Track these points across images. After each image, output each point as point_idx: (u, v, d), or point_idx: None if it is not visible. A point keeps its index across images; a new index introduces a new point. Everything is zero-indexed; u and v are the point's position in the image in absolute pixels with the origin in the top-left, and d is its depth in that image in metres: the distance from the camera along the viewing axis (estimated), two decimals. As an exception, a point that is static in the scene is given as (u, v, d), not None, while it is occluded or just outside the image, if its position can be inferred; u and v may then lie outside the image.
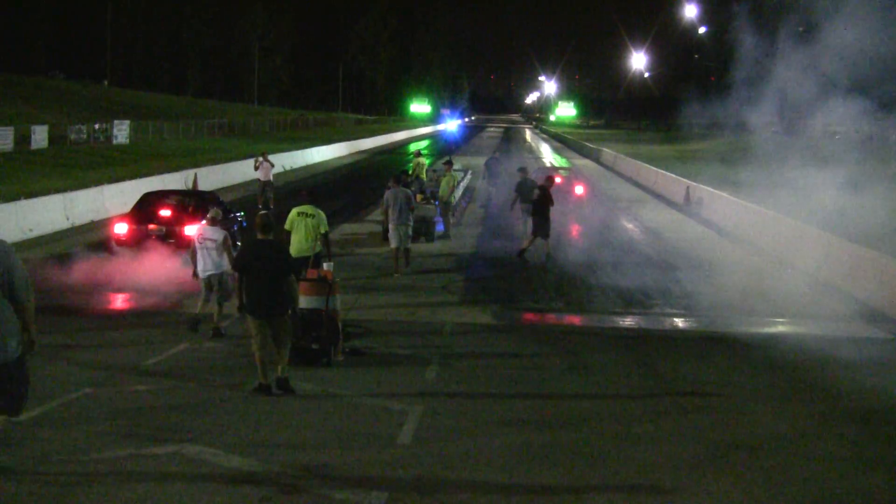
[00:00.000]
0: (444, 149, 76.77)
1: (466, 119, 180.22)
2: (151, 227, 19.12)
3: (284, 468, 8.36)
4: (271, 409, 10.13)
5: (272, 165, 30.98)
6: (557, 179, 30.13)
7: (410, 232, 20.27)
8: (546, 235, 21.58)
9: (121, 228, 19.21)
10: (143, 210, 19.72)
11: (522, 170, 25.94)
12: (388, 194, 20.01)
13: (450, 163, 27.75)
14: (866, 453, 9.50)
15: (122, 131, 59.50)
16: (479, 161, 58.87)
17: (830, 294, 18.19)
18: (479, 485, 8.17)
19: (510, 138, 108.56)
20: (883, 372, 12.71)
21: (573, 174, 37.00)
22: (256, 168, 30.58)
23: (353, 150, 70.99)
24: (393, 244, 19.85)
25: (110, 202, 27.59)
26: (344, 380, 11.41)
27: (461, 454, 8.91)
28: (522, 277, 19.88)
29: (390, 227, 19.96)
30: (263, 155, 30.84)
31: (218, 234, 13.73)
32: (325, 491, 7.89)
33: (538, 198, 21.84)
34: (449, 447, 9.12)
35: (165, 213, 19.46)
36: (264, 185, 30.00)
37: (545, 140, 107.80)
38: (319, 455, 8.76)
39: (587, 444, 9.36)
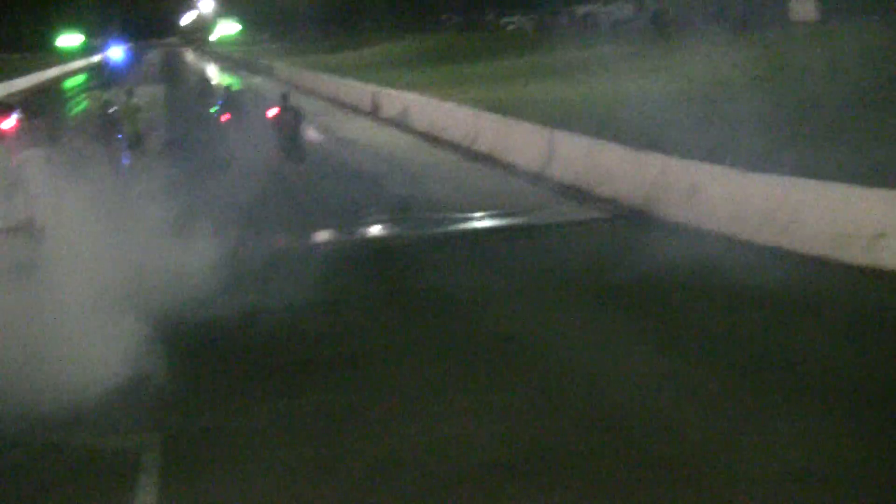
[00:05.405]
0: (106, 81, 72.03)
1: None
2: None
3: None
4: None
5: None
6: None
7: None
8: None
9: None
10: None
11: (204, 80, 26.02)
12: None
13: (130, 92, 25.52)
14: (606, 331, 9.79)
15: None
16: (146, 90, 55.79)
17: (529, 178, 18.56)
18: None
19: (172, 62, 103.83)
20: (605, 250, 13.11)
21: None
22: None
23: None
24: None
25: None
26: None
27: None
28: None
29: None
30: None
31: None
32: None
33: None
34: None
35: None
36: None
37: (211, 60, 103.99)
38: None
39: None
